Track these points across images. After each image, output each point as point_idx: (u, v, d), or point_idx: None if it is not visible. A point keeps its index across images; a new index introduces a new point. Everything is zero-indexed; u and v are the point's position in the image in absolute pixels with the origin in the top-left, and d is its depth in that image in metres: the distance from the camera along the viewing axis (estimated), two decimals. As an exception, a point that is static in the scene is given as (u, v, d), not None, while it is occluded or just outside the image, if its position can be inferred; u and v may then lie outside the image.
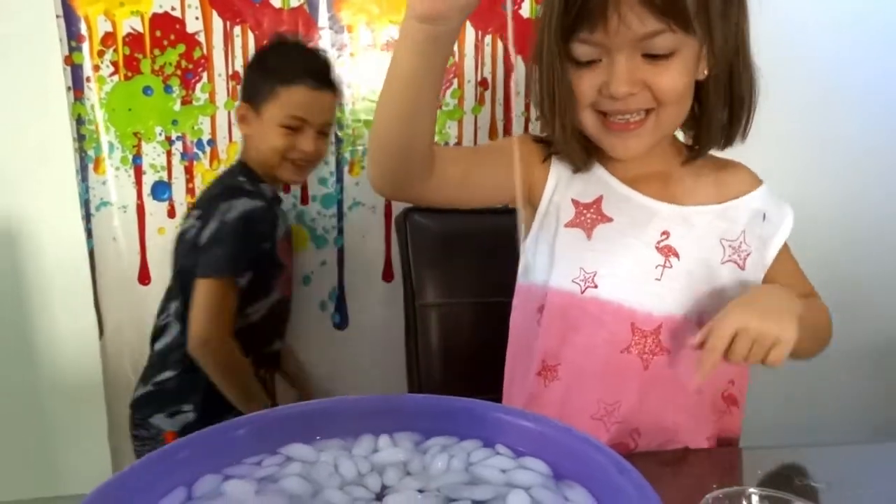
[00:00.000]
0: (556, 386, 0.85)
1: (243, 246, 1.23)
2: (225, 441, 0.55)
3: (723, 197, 0.87)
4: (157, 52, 1.40)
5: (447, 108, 1.50)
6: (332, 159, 1.49)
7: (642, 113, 0.79)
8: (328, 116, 1.32)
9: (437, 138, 1.51)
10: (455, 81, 1.50)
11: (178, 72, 1.41)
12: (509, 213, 0.99)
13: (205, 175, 1.45)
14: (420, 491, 0.50)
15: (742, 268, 0.85)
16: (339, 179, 1.51)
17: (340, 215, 1.53)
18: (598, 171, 0.87)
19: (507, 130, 1.52)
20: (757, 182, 0.90)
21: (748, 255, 0.85)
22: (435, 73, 0.64)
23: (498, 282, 0.97)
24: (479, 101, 1.51)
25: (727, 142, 0.85)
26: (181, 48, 1.41)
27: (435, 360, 1.12)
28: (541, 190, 0.88)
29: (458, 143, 1.52)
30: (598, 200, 0.86)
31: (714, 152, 0.88)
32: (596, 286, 0.82)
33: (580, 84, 0.79)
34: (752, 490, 0.52)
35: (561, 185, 0.87)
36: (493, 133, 1.53)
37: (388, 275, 1.54)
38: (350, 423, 0.60)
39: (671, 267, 0.83)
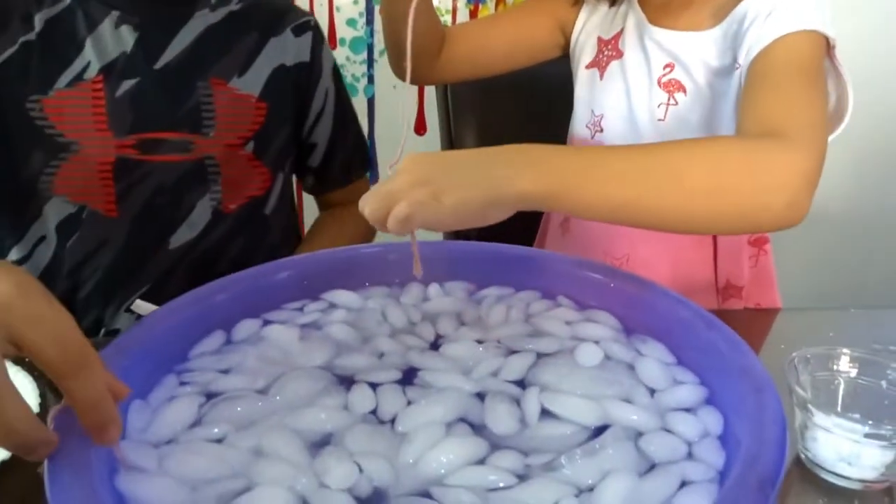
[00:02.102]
0: (569, 239, 0.83)
1: None
2: (264, 285, 0.51)
3: (731, 9, 0.68)
4: None
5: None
6: (361, -3, 1.37)
7: None
8: None
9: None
10: None
11: None
12: (560, 59, 0.89)
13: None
14: (478, 342, 0.46)
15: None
16: (370, 21, 1.39)
17: (371, 62, 1.42)
18: (631, 3, 0.78)
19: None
20: None
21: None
22: None
23: (551, 133, 0.89)
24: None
25: None
26: None
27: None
28: (570, 34, 0.83)
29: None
30: (618, 35, 0.78)
31: None
32: (602, 130, 0.77)
33: None
34: (843, 350, 0.47)
35: (589, 25, 0.81)
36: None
37: (420, 126, 1.46)
38: (396, 270, 0.55)
39: (676, 104, 0.73)
